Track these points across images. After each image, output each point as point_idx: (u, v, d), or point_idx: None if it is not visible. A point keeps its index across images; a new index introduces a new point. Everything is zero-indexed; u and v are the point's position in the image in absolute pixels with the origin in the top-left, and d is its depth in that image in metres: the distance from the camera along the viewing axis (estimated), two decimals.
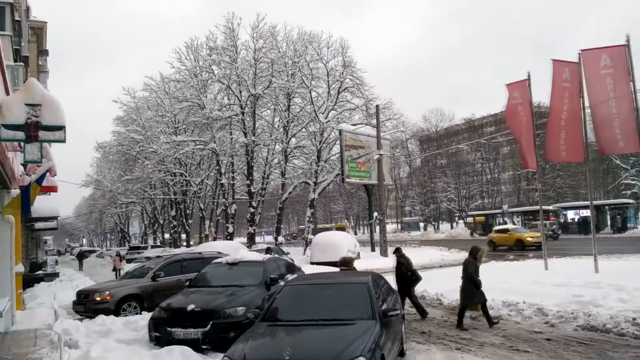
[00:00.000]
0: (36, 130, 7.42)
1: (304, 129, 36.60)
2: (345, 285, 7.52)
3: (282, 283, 9.05)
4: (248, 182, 36.54)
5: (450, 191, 66.94)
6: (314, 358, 5.28)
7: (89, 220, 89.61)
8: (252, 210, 36.21)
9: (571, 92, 14.62)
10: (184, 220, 48.35)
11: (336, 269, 12.24)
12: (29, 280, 21.18)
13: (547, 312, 9.98)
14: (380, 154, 29.23)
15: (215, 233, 49.01)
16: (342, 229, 59.66)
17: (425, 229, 71.88)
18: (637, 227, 39.84)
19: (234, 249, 18.95)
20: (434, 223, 73.55)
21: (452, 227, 69.58)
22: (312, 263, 24.04)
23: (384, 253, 28.34)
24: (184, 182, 44.85)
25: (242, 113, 35.04)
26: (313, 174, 35.23)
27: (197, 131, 39.51)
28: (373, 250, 31.74)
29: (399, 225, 77.88)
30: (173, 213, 49.79)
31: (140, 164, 45.62)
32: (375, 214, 32.79)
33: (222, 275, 10.45)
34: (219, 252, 15.68)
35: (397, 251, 11.62)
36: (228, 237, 36.73)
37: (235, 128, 37.28)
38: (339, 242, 26.23)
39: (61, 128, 7.62)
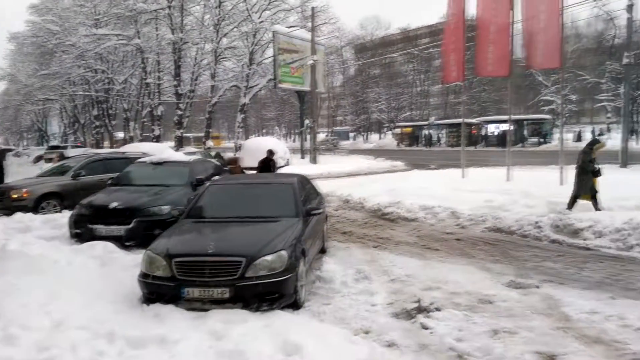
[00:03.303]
0: None
1: (236, 29, 34.96)
2: (271, 185, 7.65)
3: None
4: (175, 82, 34.99)
5: (381, 102, 67.73)
6: (237, 251, 5.43)
7: (3, 117, 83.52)
8: (179, 112, 35.07)
9: (499, 4, 14.71)
10: (107, 121, 46.20)
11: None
12: None
13: (459, 216, 10.69)
14: (314, 60, 28.70)
15: (141, 135, 47.40)
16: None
17: (355, 138, 73.18)
18: (551, 142, 42.49)
19: (160, 151, 18.49)
20: (363, 133, 74.83)
21: (380, 138, 71.29)
22: (242, 168, 24.04)
23: (313, 160, 28.82)
24: (107, 79, 42.25)
25: (169, 7, 32.75)
26: (245, 77, 34.26)
27: (120, 24, 36.70)
28: (303, 157, 32.10)
29: (330, 134, 78.70)
30: (95, 113, 47.30)
31: (57, 58, 42.21)
32: (307, 121, 32.80)
33: (147, 175, 10.26)
34: (143, 153, 15.26)
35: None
36: (154, 140, 35.70)
37: (162, 24, 34.99)
38: (271, 147, 26.28)
39: None
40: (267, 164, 13.14)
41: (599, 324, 5.00)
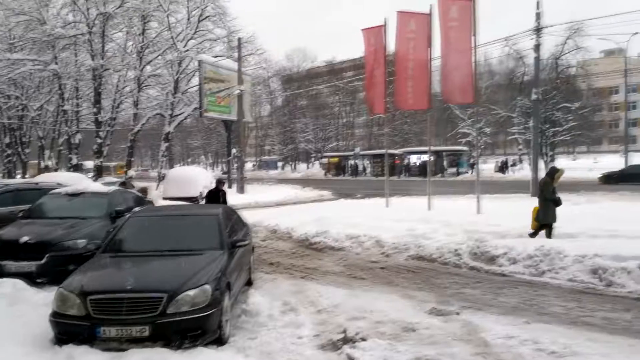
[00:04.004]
0: None
1: (160, 57, 34.26)
2: (195, 216, 7.47)
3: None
4: (95, 110, 33.63)
5: (308, 132, 68.69)
6: (158, 286, 5.22)
7: None
8: (99, 141, 33.65)
9: (418, 41, 15.52)
10: (20, 149, 43.46)
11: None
12: None
13: (384, 244, 10.93)
14: (241, 90, 28.69)
15: (57, 164, 44.95)
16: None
17: (283, 168, 73.45)
18: (468, 172, 44.69)
19: (77, 181, 17.61)
20: (291, 163, 75.29)
21: (308, 167, 72.03)
22: (165, 198, 23.35)
23: (240, 190, 28.52)
24: (20, 106, 39.88)
25: (90, 33, 31.64)
26: (169, 105, 33.56)
27: (36, 49, 34.95)
28: (230, 187, 31.67)
29: (257, 164, 78.48)
30: (7, 140, 44.40)
31: None
32: (234, 150, 32.54)
33: (62, 207, 9.69)
34: (58, 184, 14.45)
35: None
36: (71, 169, 33.96)
37: (82, 49, 33.66)
38: (195, 176, 25.89)
39: None
40: (216, 195, 11.67)
41: (515, 348, 5.22)
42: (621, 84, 51.73)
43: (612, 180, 29.33)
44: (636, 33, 33.95)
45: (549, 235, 10.23)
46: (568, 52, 44.63)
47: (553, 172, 10.72)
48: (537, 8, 22.37)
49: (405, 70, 15.73)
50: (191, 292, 5.17)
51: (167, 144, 34.52)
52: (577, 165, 50.55)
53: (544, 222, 10.32)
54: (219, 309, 5.32)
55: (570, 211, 14.93)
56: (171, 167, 44.04)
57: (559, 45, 43.66)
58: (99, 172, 33.36)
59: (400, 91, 16.15)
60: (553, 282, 7.98)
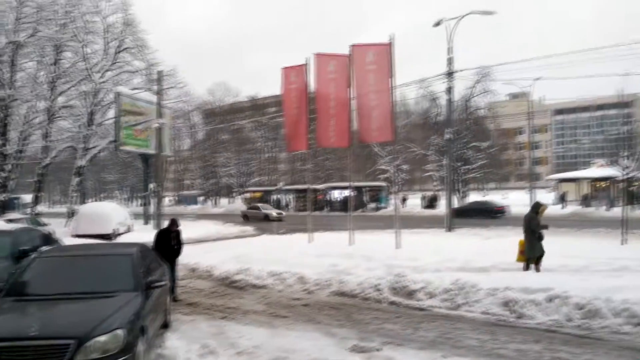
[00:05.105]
0: None
1: (74, 88, 32.84)
2: (107, 256, 7.09)
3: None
4: (1, 142, 31.45)
5: (230, 167, 67.94)
6: (65, 332, 4.86)
7: None
8: (4, 175, 31.38)
9: (338, 82, 16.02)
10: None
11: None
12: None
13: (306, 281, 10.90)
14: (160, 123, 28.02)
15: None
16: None
17: (204, 202, 71.84)
18: (387, 207, 45.91)
19: None
20: (213, 197, 73.87)
21: (230, 202, 70.94)
22: (76, 235, 22.06)
23: (157, 227, 27.49)
24: None
25: None
26: (82, 138, 32.07)
27: None
28: (147, 223, 30.50)
29: (176, 199, 76.28)
30: None
31: None
32: (152, 185, 31.49)
33: None
34: None
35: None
36: None
37: None
38: (109, 213, 24.78)
39: None
40: (166, 236, 10.20)
41: None
42: (525, 125, 55.87)
43: (461, 214, 31.76)
44: (538, 79, 37.17)
45: (537, 268, 10.60)
46: (477, 95, 47.69)
47: (537, 207, 11.16)
48: (449, 54, 23.93)
49: (327, 109, 16.12)
50: (102, 338, 4.86)
51: (78, 178, 32.83)
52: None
53: (530, 255, 10.68)
54: (132, 355, 5.03)
55: (482, 245, 15.74)
56: (83, 202, 41.73)
57: (468, 88, 46.60)
58: (2, 209, 31.00)
59: (322, 129, 16.47)
60: (468, 315, 8.28)
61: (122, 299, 5.74)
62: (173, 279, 9.71)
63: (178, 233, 10.41)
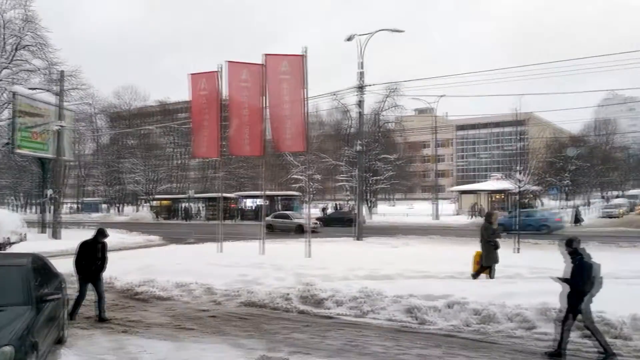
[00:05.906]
0: None
1: None
2: None
3: None
4: None
5: (137, 173, 65.13)
6: None
7: None
8: None
9: (251, 91, 15.93)
10: None
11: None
12: None
13: (215, 291, 10.66)
14: (60, 125, 26.33)
15: None
16: None
17: (107, 210, 68.22)
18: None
19: None
20: (117, 205, 70.40)
21: (136, 210, 68.03)
22: None
23: (56, 235, 25.76)
24: None
25: None
26: None
27: None
28: (43, 231, 28.42)
29: (77, 206, 71.86)
30: None
31: None
32: (49, 191, 29.41)
33: None
34: None
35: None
36: None
37: None
38: (1, 220, 22.75)
39: None
40: (93, 248, 9.28)
41: None
42: (431, 139, 58.75)
43: (327, 223, 35.61)
44: (443, 95, 39.19)
45: (491, 275, 10.85)
46: (387, 109, 49.49)
47: (490, 216, 11.50)
48: (359, 68, 24.65)
49: (240, 117, 15.96)
50: None
51: None
52: (395, 211, 55.59)
53: (486, 264, 10.89)
54: None
55: (389, 253, 16.25)
56: None
57: (378, 102, 48.26)
58: None
59: (235, 137, 16.28)
60: (374, 322, 8.49)
61: (11, 314, 5.30)
62: (100, 296, 8.99)
63: (104, 245, 9.46)
